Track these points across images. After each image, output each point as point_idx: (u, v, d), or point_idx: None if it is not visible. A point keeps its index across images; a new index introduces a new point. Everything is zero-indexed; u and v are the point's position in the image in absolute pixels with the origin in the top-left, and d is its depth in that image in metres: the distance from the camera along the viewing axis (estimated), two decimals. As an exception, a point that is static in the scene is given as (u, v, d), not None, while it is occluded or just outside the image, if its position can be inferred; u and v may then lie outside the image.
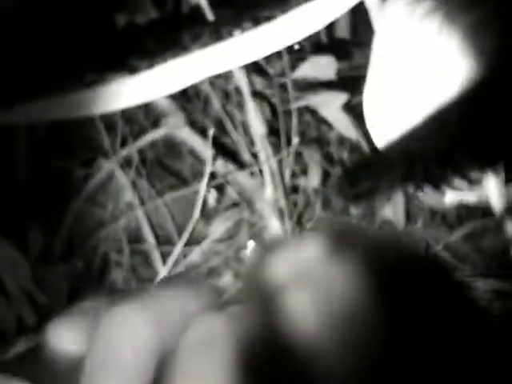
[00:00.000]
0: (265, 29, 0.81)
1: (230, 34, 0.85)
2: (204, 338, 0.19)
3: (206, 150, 0.85)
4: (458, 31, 0.64)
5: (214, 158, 0.86)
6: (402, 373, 0.17)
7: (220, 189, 0.87)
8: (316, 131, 0.89)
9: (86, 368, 0.18)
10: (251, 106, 0.83)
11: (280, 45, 0.80)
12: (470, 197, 0.72)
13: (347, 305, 0.17)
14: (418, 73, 0.69)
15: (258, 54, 0.81)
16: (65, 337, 0.20)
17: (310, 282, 0.18)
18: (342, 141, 0.89)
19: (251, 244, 0.84)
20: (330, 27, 0.92)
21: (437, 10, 0.69)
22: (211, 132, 0.81)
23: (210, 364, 0.18)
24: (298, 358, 0.17)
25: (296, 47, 0.89)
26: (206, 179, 0.82)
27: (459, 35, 0.63)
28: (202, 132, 0.87)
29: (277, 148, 0.88)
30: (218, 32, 0.86)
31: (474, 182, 0.70)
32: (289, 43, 0.79)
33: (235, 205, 0.86)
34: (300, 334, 0.17)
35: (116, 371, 0.18)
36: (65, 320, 0.20)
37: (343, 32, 0.93)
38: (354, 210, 0.87)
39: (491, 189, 0.68)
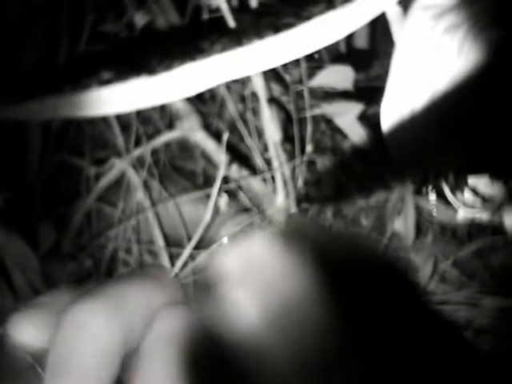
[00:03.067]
0: (284, 36, 0.81)
1: (250, 41, 0.85)
2: (165, 337, 0.19)
3: (219, 153, 0.85)
4: (480, 47, 0.64)
5: (228, 163, 0.85)
6: (344, 365, 0.16)
7: (232, 194, 0.87)
8: (330, 140, 0.89)
9: (47, 368, 0.18)
10: (267, 112, 0.83)
11: (299, 53, 0.80)
12: (482, 215, 0.72)
13: (290, 298, 0.17)
14: (438, 86, 0.69)
15: (276, 62, 0.81)
16: (26, 331, 0.20)
17: (254, 276, 0.18)
18: (356, 150, 0.88)
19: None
20: (349, 37, 0.92)
21: (460, 24, 0.69)
22: (225, 136, 0.81)
23: (168, 365, 0.18)
24: (240, 352, 0.17)
25: (314, 56, 0.89)
26: (218, 183, 0.82)
27: (481, 51, 0.63)
28: (217, 136, 0.87)
29: (290, 155, 0.87)
30: (237, 38, 0.86)
31: (487, 200, 0.70)
32: (308, 52, 0.79)
33: (246, 210, 0.86)
34: (241, 329, 0.17)
35: (77, 372, 0.18)
36: (27, 314, 0.20)
37: (362, 42, 0.93)
38: (365, 221, 0.87)
39: (504, 207, 0.67)
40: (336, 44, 0.91)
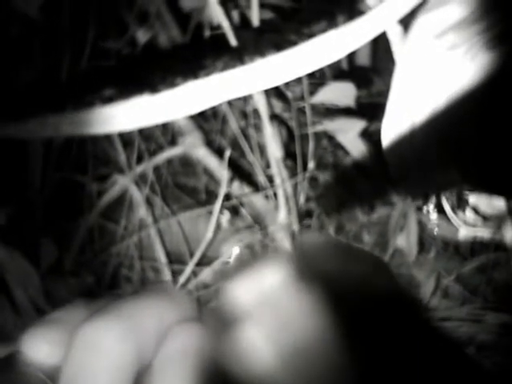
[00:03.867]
0: (286, 54, 0.81)
1: (251, 58, 0.85)
2: (177, 353, 0.19)
3: (221, 170, 0.85)
4: (484, 65, 0.64)
5: (230, 180, 0.86)
6: None
7: (234, 210, 0.87)
8: (332, 156, 0.89)
9: None
10: (269, 128, 0.83)
11: (300, 71, 0.80)
12: (484, 233, 0.72)
13: (305, 337, 0.17)
14: (438, 104, 0.69)
15: (278, 80, 0.81)
16: (39, 348, 0.20)
17: (268, 312, 0.18)
18: (358, 166, 0.89)
19: (235, 251, 0.84)
20: (351, 54, 0.92)
21: (463, 43, 0.69)
22: (228, 153, 0.81)
23: (180, 381, 0.18)
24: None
25: (315, 73, 0.90)
26: (220, 200, 0.82)
27: (485, 69, 0.63)
28: (219, 152, 0.88)
29: (292, 172, 0.88)
30: (239, 55, 0.86)
31: (487, 219, 0.70)
32: (309, 70, 0.80)
33: (248, 227, 0.86)
34: (255, 368, 0.17)
35: None
36: (40, 330, 0.20)
37: (364, 59, 0.93)
38: (367, 237, 0.87)
39: (506, 224, 0.67)
40: (338, 61, 0.92)
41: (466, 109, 0.66)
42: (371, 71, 0.92)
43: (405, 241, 0.88)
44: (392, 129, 0.71)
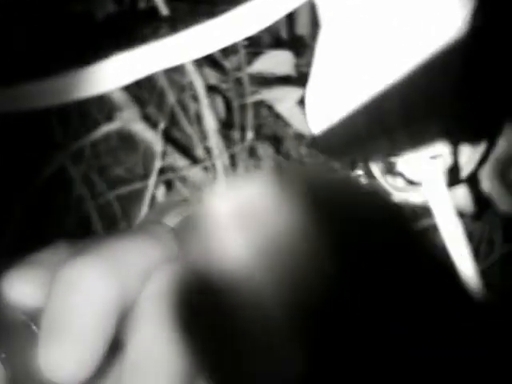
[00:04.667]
0: (220, 21, 0.80)
1: (185, 27, 0.84)
2: (159, 294, 0.18)
3: (158, 144, 0.84)
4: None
5: (166, 153, 0.84)
6: (341, 310, 0.16)
7: (170, 184, 0.85)
8: (272, 126, 0.88)
9: (41, 327, 0.18)
10: (204, 100, 0.82)
11: (235, 37, 0.79)
12: (416, 198, 0.70)
13: (286, 240, 0.17)
14: (364, 61, 0.68)
15: (213, 47, 0.80)
16: (20, 289, 0.19)
17: (245, 218, 0.17)
18: (299, 136, 0.87)
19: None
20: (290, 23, 0.91)
21: None
22: (161, 126, 0.80)
23: (162, 323, 0.18)
24: (233, 300, 0.16)
25: (254, 42, 0.88)
26: (154, 174, 0.80)
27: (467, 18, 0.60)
28: (156, 126, 0.86)
29: (232, 143, 0.86)
30: (173, 25, 0.85)
31: (414, 184, 0.68)
32: (244, 36, 0.78)
33: (185, 200, 0.84)
34: (235, 275, 0.17)
35: (72, 331, 0.17)
36: (21, 271, 0.19)
37: (303, 28, 0.92)
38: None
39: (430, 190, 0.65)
40: (277, 30, 0.91)
41: (449, 61, 0.63)
42: (311, 39, 0.91)
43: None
44: (316, 99, 0.69)
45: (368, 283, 0.16)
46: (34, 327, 0.19)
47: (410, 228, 0.19)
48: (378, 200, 0.19)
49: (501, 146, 0.69)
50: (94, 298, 0.18)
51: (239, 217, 0.18)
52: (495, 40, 0.60)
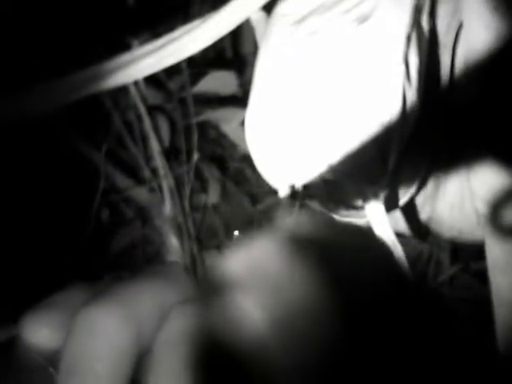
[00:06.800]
0: (163, 41, 0.80)
1: (129, 47, 0.84)
2: (175, 336, 0.19)
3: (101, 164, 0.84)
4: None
5: (113, 173, 0.84)
6: (349, 371, 0.16)
7: (116, 205, 0.85)
8: (218, 147, 0.89)
9: (60, 370, 0.18)
10: (147, 120, 0.82)
11: (178, 57, 0.78)
12: (358, 220, 0.72)
13: (296, 303, 0.17)
14: (304, 90, 0.69)
15: (156, 67, 0.79)
16: (39, 332, 0.19)
17: (260, 282, 0.18)
18: (245, 157, 0.88)
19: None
20: (235, 42, 0.91)
21: (322, 27, 0.69)
22: (104, 147, 0.79)
23: (179, 364, 0.18)
24: (244, 356, 0.17)
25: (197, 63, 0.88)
26: (99, 195, 0.80)
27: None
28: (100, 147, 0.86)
29: (178, 164, 0.86)
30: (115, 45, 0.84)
31: (359, 209, 0.70)
32: (187, 55, 0.78)
33: (130, 221, 0.84)
34: (246, 334, 0.17)
35: (90, 374, 0.18)
36: (40, 313, 0.20)
37: (249, 47, 0.92)
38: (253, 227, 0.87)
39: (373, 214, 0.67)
40: (222, 50, 0.91)
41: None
42: (256, 58, 0.91)
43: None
44: (255, 122, 0.70)
45: (378, 345, 0.17)
46: (52, 370, 0.19)
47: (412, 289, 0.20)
48: (387, 256, 0.20)
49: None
50: (111, 343, 0.18)
51: (253, 278, 0.18)
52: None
